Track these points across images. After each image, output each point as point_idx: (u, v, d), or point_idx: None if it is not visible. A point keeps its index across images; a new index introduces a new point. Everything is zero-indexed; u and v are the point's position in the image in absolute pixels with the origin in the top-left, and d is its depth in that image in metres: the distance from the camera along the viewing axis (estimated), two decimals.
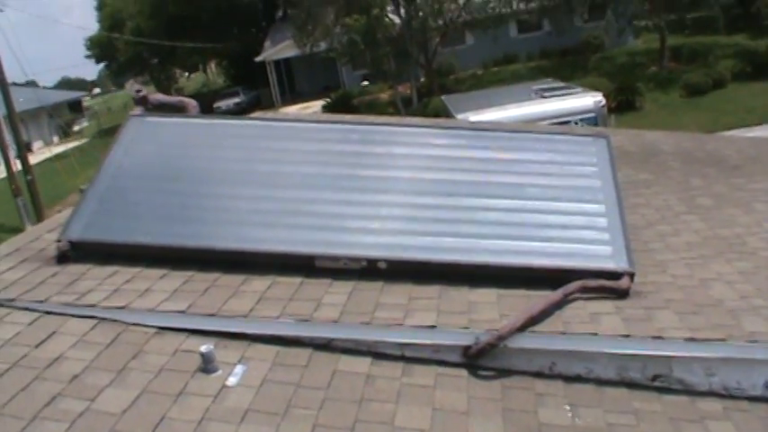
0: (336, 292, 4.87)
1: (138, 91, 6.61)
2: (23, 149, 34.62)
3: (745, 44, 39.26)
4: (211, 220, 5.42)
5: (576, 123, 16.77)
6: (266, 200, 5.57)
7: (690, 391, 4.25)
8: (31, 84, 64.28)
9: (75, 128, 75.39)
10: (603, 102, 18.50)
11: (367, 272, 5.08)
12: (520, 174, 5.76)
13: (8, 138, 33.58)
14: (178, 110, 6.67)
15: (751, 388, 4.23)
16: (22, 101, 43.88)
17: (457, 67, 47.42)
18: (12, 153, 33.40)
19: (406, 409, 3.93)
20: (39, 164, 42.27)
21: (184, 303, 4.67)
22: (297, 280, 5.01)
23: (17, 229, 29.68)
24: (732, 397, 4.23)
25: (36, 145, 59.65)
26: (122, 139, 6.07)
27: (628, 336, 4.34)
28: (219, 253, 5.20)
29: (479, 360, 4.35)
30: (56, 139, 68.26)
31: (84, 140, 65.52)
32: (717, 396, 4.23)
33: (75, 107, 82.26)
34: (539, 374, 4.35)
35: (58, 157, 48.06)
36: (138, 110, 6.45)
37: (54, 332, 4.39)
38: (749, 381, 4.23)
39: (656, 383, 4.28)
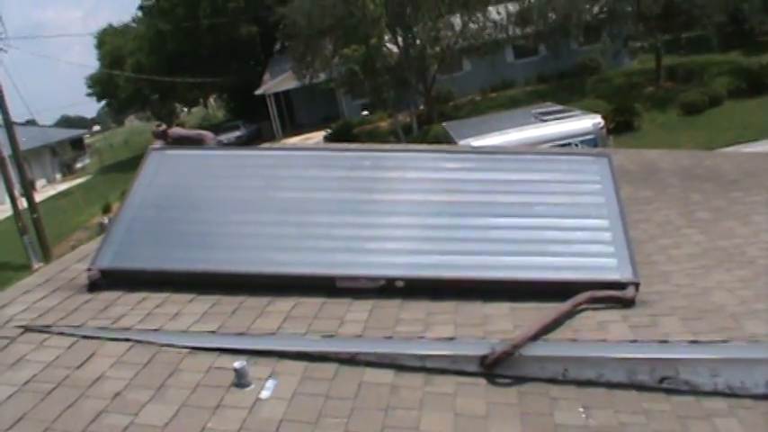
0: (357, 310, 5.11)
1: (159, 125, 6.87)
2: (28, 188, 34.94)
3: (740, 61, 39.73)
4: (235, 246, 5.68)
5: (576, 145, 17.04)
6: (286, 225, 5.83)
7: (696, 392, 4.46)
8: (31, 122, 64.70)
9: (78, 165, 75.81)
10: (602, 123, 18.75)
11: (385, 290, 5.31)
12: (527, 193, 6.01)
13: (13, 176, 33.90)
14: (196, 142, 6.93)
15: (754, 387, 4.45)
16: (25, 140, 44.19)
17: (455, 93, 47.77)
18: (17, 191, 33.70)
19: (430, 415, 4.16)
20: (43, 201, 42.48)
21: (214, 324, 4.92)
22: (319, 300, 5.25)
23: (24, 267, 29.93)
24: (736, 395, 4.44)
25: (39, 183, 59.92)
26: (145, 172, 6.34)
27: (635, 341, 4.59)
28: (244, 277, 5.46)
29: (496, 368, 4.57)
30: (59, 176, 68.64)
31: (87, 177, 65.90)
32: (722, 395, 4.44)
33: (77, 144, 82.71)
34: (552, 380, 4.57)
35: (62, 194, 48.39)
36: (158, 143, 6.72)
37: (93, 354, 4.63)
38: (752, 380, 4.45)
39: (664, 385, 4.49)
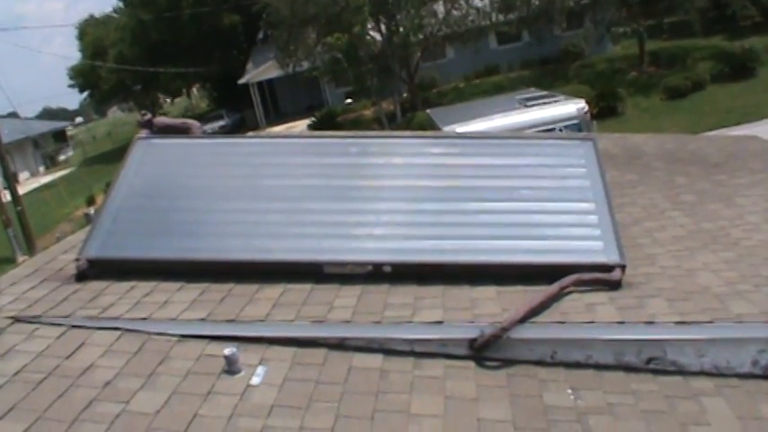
0: (346, 296, 5.14)
1: (144, 114, 6.86)
2: (12, 180, 34.77)
3: (722, 46, 39.75)
4: (222, 234, 5.69)
5: (561, 131, 17.07)
6: (274, 212, 5.84)
7: (683, 372, 4.51)
8: (13, 115, 64.37)
9: (61, 157, 75.45)
10: (586, 108, 18.73)
11: (373, 276, 5.35)
12: (513, 177, 6.04)
13: None
14: (182, 131, 6.92)
15: (739, 366, 4.50)
16: (6, 132, 43.99)
17: (439, 80, 47.73)
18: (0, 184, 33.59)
19: (420, 399, 4.20)
20: (26, 194, 42.31)
21: (203, 312, 4.94)
22: (307, 286, 5.28)
23: (8, 260, 29.84)
24: (722, 375, 4.49)
25: (22, 176, 59.64)
26: (131, 161, 6.34)
27: (622, 323, 4.64)
28: (232, 264, 5.48)
29: (485, 351, 4.61)
30: (42, 169, 68.31)
31: (70, 169, 65.62)
32: (708, 375, 4.49)
33: (60, 137, 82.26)
34: (541, 362, 4.61)
35: (45, 186, 48.21)
36: (143, 132, 6.71)
37: (82, 344, 4.65)
38: (737, 359, 4.50)
39: (651, 366, 4.54)
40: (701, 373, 4.51)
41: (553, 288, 4.92)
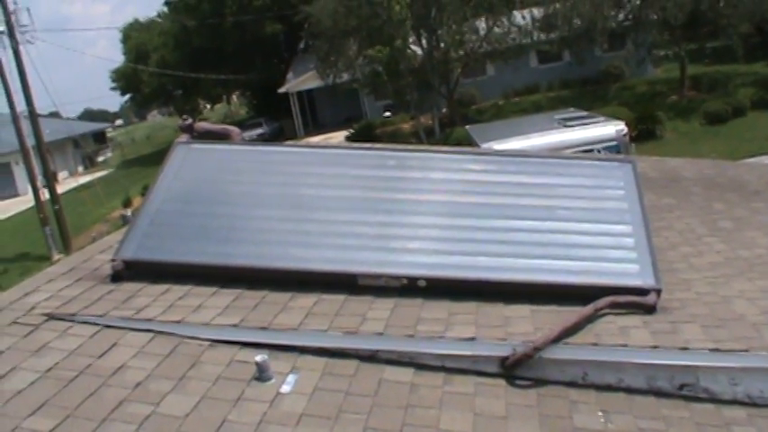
0: (379, 308, 5.14)
1: (185, 119, 6.91)
2: (51, 179, 35.16)
3: (764, 72, 39.39)
4: (258, 241, 5.71)
5: (599, 152, 16.96)
6: (310, 222, 5.86)
7: (715, 400, 4.47)
8: (55, 115, 65.08)
9: (100, 158, 76.20)
10: (626, 130, 18.59)
11: (407, 289, 5.34)
12: (551, 197, 6.01)
13: (36, 168, 34.14)
14: (222, 137, 6.97)
15: None
16: (48, 132, 44.47)
17: (478, 97, 47.79)
18: (39, 182, 33.95)
19: (449, 414, 4.19)
20: (64, 193, 42.72)
21: (236, 318, 4.96)
22: (341, 297, 5.29)
23: (44, 258, 30.17)
24: (756, 405, 4.45)
25: (61, 175, 60.20)
26: (171, 165, 6.39)
27: (656, 347, 4.60)
28: (267, 271, 5.48)
29: (516, 370, 4.60)
30: (81, 168, 69.00)
31: (108, 171, 66.25)
32: (741, 404, 4.45)
33: (100, 138, 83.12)
34: (572, 383, 4.58)
35: (83, 186, 48.68)
36: (184, 137, 6.76)
37: (115, 344, 4.68)
38: None
39: (683, 392, 4.51)
40: (734, 402, 4.47)
41: (587, 309, 4.90)
